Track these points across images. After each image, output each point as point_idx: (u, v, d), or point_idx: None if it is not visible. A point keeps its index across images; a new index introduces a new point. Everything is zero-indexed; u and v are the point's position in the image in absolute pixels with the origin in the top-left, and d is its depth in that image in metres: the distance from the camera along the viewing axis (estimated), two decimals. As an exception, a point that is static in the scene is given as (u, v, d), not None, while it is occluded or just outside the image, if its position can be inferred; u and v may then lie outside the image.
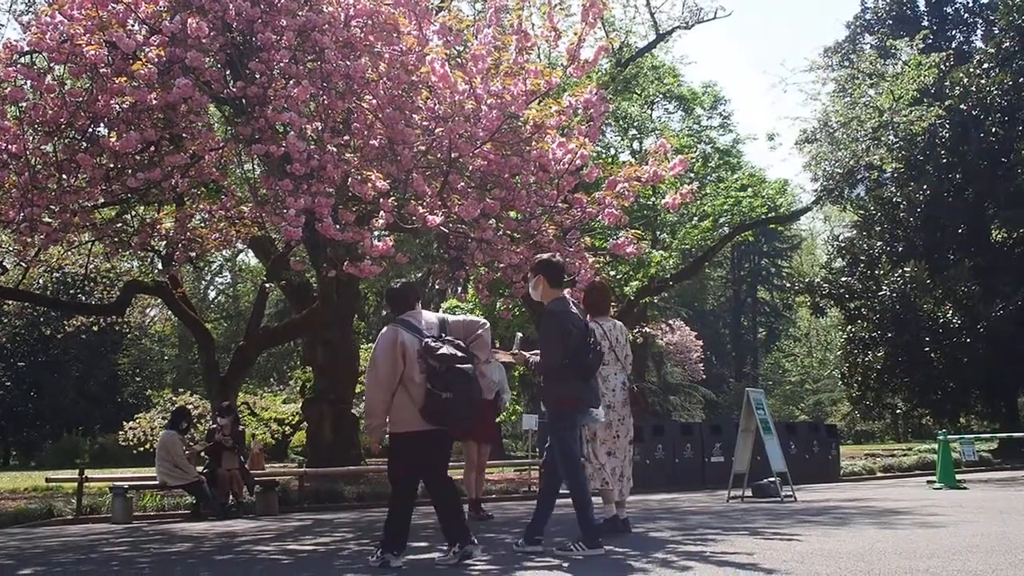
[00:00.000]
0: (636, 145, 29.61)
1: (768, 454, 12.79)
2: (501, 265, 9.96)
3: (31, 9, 11.66)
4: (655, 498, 13.96)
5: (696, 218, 25.02)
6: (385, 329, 6.37)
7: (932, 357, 25.41)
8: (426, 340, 6.13)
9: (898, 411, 33.17)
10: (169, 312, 26.82)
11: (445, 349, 6.07)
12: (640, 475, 17.50)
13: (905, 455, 23.88)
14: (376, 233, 9.07)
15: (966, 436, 20.74)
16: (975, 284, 25.35)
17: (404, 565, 6.24)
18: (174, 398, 26.35)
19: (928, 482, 16.01)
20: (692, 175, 24.35)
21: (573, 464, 6.75)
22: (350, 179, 8.70)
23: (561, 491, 7.08)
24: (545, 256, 7.47)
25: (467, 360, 6.13)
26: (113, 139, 8.26)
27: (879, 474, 20.48)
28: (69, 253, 16.38)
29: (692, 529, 8.51)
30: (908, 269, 25.65)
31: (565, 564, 6.10)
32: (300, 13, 8.26)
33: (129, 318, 30.26)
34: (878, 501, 11.77)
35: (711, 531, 8.24)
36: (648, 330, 27.58)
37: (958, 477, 15.47)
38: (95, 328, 27.19)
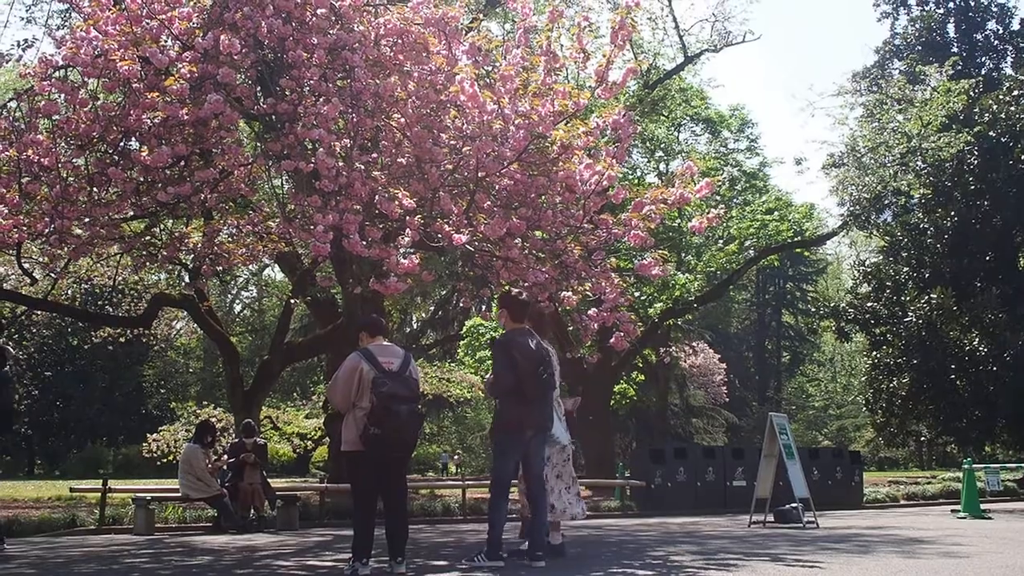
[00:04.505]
0: (663, 167, 29.61)
1: (791, 479, 12.71)
2: (526, 284, 9.95)
3: (66, 24, 11.82)
4: (676, 521, 13.88)
5: (722, 241, 24.98)
6: (351, 355, 6.88)
7: (958, 385, 25.10)
8: (376, 375, 6.60)
9: (922, 438, 32.80)
10: (195, 325, 26.95)
11: (389, 388, 6.53)
12: (662, 498, 17.59)
13: (929, 483, 23.64)
14: (402, 250, 9.09)
15: (991, 465, 20.52)
16: (1002, 312, 25.05)
17: (371, 572, 6.71)
18: (198, 411, 26.42)
19: (952, 511, 15.83)
20: (718, 198, 24.33)
21: (497, 486, 7.35)
22: (377, 196, 8.75)
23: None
24: (513, 292, 7.88)
25: (408, 401, 6.64)
26: (144, 153, 8.35)
27: (903, 502, 20.29)
28: (98, 265, 16.53)
29: (713, 554, 8.46)
30: (934, 296, 25.39)
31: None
32: (331, 32, 8.34)
33: (155, 330, 30.37)
34: (902, 529, 11.66)
35: (732, 556, 8.19)
36: (672, 351, 27.48)
37: (983, 507, 15.29)
38: (122, 340, 27.33)
